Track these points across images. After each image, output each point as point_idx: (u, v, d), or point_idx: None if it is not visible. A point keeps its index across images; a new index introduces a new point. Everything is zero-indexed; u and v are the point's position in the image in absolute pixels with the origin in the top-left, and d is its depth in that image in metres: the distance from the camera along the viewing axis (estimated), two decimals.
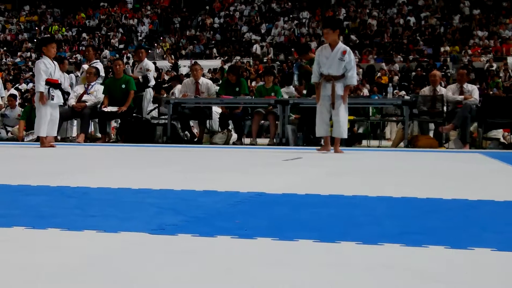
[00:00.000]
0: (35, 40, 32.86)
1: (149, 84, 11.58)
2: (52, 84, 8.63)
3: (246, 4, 33.20)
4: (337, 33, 7.68)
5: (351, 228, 2.03)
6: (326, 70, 7.58)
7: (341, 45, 7.64)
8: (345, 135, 7.73)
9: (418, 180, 4.15)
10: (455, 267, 1.47)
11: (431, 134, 11.04)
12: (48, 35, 28.89)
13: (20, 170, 4.72)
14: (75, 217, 2.20)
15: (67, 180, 3.56)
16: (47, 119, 8.64)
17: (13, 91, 17.04)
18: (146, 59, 12.17)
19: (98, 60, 11.85)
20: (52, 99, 8.58)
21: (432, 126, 11.21)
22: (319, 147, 7.91)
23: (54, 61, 8.86)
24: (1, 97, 12.36)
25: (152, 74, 11.96)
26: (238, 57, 27.80)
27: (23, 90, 21.32)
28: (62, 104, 9.12)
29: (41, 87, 8.53)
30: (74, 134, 11.73)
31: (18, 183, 3.36)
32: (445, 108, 10.38)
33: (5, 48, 32.73)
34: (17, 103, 13.66)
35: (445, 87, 11.61)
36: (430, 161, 6.62)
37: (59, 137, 11.43)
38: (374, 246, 1.69)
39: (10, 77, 26.01)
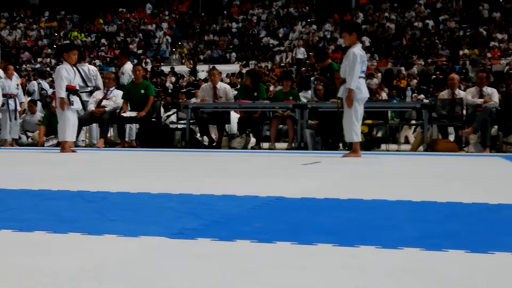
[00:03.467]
0: (54, 46, 33.16)
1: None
2: (71, 90, 8.72)
3: (263, 9, 33.23)
4: (354, 35, 7.62)
5: (370, 232, 2.03)
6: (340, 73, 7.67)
7: (351, 48, 7.57)
8: (350, 139, 7.58)
9: (437, 184, 4.13)
10: (475, 271, 1.46)
11: (451, 138, 10.97)
12: (69, 42, 29.10)
13: (41, 175, 4.76)
14: (95, 222, 2.22)
15: (87, 185, 3.58)
16: (71, 123, 8.73)
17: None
18: (127, 63, 12.30)
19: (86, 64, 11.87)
20: (72, 104, 8.66)
21: (452, 130, 11.14)
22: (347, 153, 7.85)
23: (74, 68, 8.95)
24: (21, 103, 12.48)
25: (125, 77, 11.99)
26: (255, 62, 27.83)
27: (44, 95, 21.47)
28: (80, 110, 9.19)
29: (62, 92, 8.62)
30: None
31: (39, 188, 3.38)
32: (464, 112, 10.31)
33: (25, 54, 33.01)
34: (37, 108, 13.78)
35: (464, 90, 11.53)
36: (449, 165, 6.58)
37: (81, 143, 11.52)
38: (394, 250, 1.69)
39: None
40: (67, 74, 8.71)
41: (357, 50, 7.48)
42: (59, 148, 9.03)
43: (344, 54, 7.93)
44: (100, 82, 11.72)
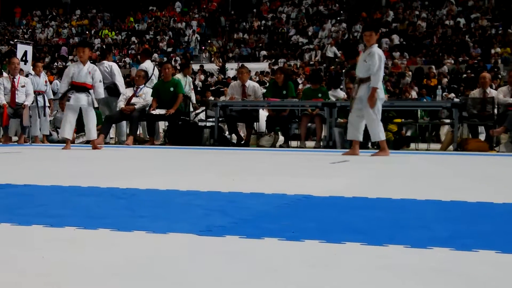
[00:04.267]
0: None
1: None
2: (75, 86, 8.77)
3: (293, 7, 33.17)
4: (378, 35, 7.73)
5: (399, 231, 2.02)
6: (357, 72, 7.62)
7: (371, 48, 7.59)
8: (377, 138, 7.64)
9: (468, 183, 4.08)
10: (505, 272, 1.45)
11: (481, 137, 10.84)
12: (82, 40, 29.35)
13: (71, 172, 4.81)
14: (125, 218, 2.24)
15: (117, 182, 3.61)
16: (67, 120, 8.82)
17: None
18: (145, 62, 12.39)
19: (104, 62, 11.76)
20: (68, 100, 8.78)
21: (482, 129, 11.01)
22: (347, 151, 7.94)
23: (85, 64, 8.86)
24: (50, 99, 12.62)
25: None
26: (284, 60, 27.78)
27: None
28: (84, 105, 8.94)
29: (62, 89, 8.85)
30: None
31: (69, 184, 3.42)
32: (495, 111, 10.19)
33: (62, 48, 33.46)
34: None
35: (496, 89, 11.40)
36: (480, 165, 6.51)
37: (110, 140, 11.61)
38: (423, 250, 1.67)
39: None
40: (68, 71, 8.86)
41: (380, 51, 7.57)
42: (90, 145, 9.16)
43: None
44: (117, 78, 11.68)
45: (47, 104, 12.26)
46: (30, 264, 1.48)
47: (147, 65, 12.26)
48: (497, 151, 9.89)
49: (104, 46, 31.14)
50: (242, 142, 11.24)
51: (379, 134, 7.50)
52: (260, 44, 30.55)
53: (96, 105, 8.99)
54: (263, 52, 29.43)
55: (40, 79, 12.15)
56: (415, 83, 21.88)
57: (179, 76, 12.67)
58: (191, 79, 13.54)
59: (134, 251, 1.65)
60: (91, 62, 9.14)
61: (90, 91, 8.84)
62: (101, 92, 9.03)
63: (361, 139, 7.83)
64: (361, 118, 7.61)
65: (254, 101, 11.24)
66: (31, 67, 12.64)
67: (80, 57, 8.91)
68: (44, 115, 12.06)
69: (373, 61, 7.43)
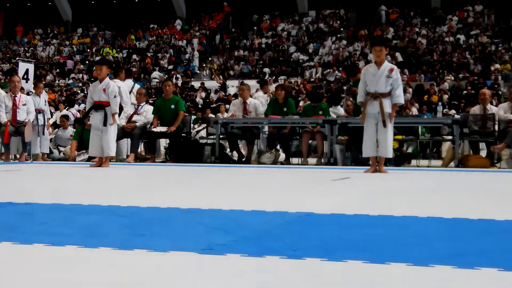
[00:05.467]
0: (87, 62, 33.61)
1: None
2: (94, 105, 8.83)
3: (294, 24, 33.28)
4: (387, 51, 7.75)
5: (400, 249, 2.01)
6: (373, 87, 7.52)
7: (387, 63, 7.64)
8: (390, 155, 7.67)
9: (469, 200, 4.07)
10: None
11: (482, 153, 10.83)
12: (99, 57, 29.42)
13: (72, 190, 4.80)
14: (126, 236, 2.23)
15: (118, 200, 3.61)
16: (91, 139, 8.87)
17: (65, 112, 17.43)
18: (128, 80, 12.43)
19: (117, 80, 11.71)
20: (89, 120, 8.92)
21: (483, 145, 11.00)
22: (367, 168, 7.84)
23: (101, 82, 8.89)
24: (48, 119, 12.64)
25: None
26: (285, 77, 27.83)
27: (75, 111, 21.71)
28: (97, 124, 8.95)
29: (86, 109, 8.92)
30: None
31: (70, 202, 3.42)
32: (496, 127, 10.19)
33: (58, 70, 33.52)
34: (69, 123, 13.95)
35: (496, 105, 11.41)
36: (481, 181, 6.50)
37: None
38: (425, 268, 1.67)
39: (63, 98, 26.56)
40: (89, 91, 8.97)
41: (395, 66, 7.64)
42: (91, 162, 9.19)
43: None
44: (124, 99, 11.57)
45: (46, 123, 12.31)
46: (31, 283, 1.47)
47: (128, 83, 12.25)
48: (498, 168, 9.88)
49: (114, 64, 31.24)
50: (243, 160, 11.24)
51: (391, 151, 7.57)
52: (261, 62, 30.61)
53: (111, 122, 8.86)
54: (268, 69, 29.40)
55: (40, 99, 12.21)
56: (416, 99, 21.91)
57: (259, 94, 12.70)
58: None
59: (135, 269, 1.65)
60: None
61: (106, 108, 8.85)
62: (114, 108, 8.91)
63: (376, 154, 7.74)
64: (375, 133, 7.58)
65: (255, 118, 11.24)
66: (32, 85, 12.67)
67: (98, 74, 8.98)
68: (43, 133, 12.08)
69: (398, 76, 7.52)
